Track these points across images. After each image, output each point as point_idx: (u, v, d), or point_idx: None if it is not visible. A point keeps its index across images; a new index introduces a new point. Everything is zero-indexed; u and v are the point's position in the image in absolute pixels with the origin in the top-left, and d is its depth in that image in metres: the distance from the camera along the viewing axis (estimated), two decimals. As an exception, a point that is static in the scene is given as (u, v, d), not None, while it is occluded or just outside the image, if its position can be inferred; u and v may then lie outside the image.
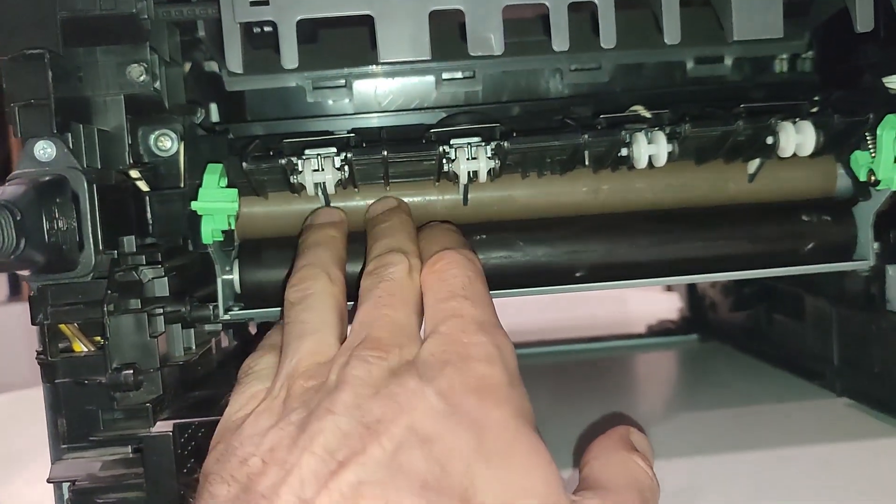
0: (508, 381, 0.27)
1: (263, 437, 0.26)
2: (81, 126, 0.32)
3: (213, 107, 0.46)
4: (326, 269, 0.32)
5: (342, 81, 0.44)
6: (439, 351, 0.27)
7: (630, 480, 0.28)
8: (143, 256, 0.34)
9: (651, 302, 0.70)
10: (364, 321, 0.29)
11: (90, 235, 0.31)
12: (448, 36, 0.41)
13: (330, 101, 0.45)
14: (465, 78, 0.45)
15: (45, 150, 0.30)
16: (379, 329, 0.29)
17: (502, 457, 0.25)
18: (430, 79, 0.45)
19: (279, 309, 0.39)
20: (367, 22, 0.33)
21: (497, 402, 0.26)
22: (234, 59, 0.32)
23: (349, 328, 0.30)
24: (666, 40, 0.32)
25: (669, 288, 0.72)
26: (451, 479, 0.24)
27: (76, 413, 0.31)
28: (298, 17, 0.32)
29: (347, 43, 0.44)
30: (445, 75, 0.45)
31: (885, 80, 0.40)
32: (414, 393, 0.26)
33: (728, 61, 0.46)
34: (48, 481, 0.31)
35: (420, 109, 0.45)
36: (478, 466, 0.24)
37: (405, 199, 0.39)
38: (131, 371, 0.31)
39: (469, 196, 0.39)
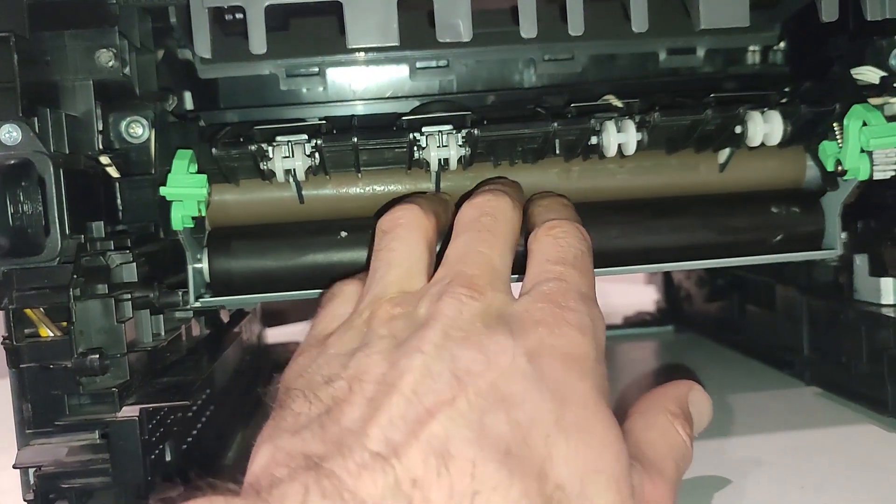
0: (595, 356, 0.27)
1: (350, 359, 0.26)
2: (49, 110, 0.32)
3: (187, 94, 0.46)
4: (421, 205, 0.32)
5: (316, 69, 0.44)
6: (535, 308, 0.27)
7: (669, 449, 0.28)
8: (112, 242, 0.34)
9: (628, 293, 0.70)
10: (458, 254, 0.29)
11: (56, 220, 0.30)
12: (422, 25, 0.41)
13: (304, 90, 0.46)
14: (438, 67, 0.45)
15: (10, 133, 0.30)
16: (473, 266, 0.28)
17: (580, 431, 0.25)
18: (405, 67, 0.45)
19: (251, 296, 0.39)
20: (338, 10, 0.33)
21: (582, 373, 0.26)
22: (203, 43, 0.32)
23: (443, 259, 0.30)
24: (634, 28, 0.33)
25: (646, 279, 0.73)
26: (532, 449, 0.24)
27: (42, 398, 0.31)
28: (267, 3, 0.32)
29: (321, 30, 0.44)
30: (419, 64, 0.45)
31: (852, 71, 0.40)
32: (503, 349, 0.25)
33: (700, 52, 0.46)
34: (14, 467, 0.31)
35: (394, 98, 0.45)
36: (557, 439, 0.24)
37: (378, 188, 0.39)
38: (97, 356, 0.30)
39: (442, 184, 0.39)
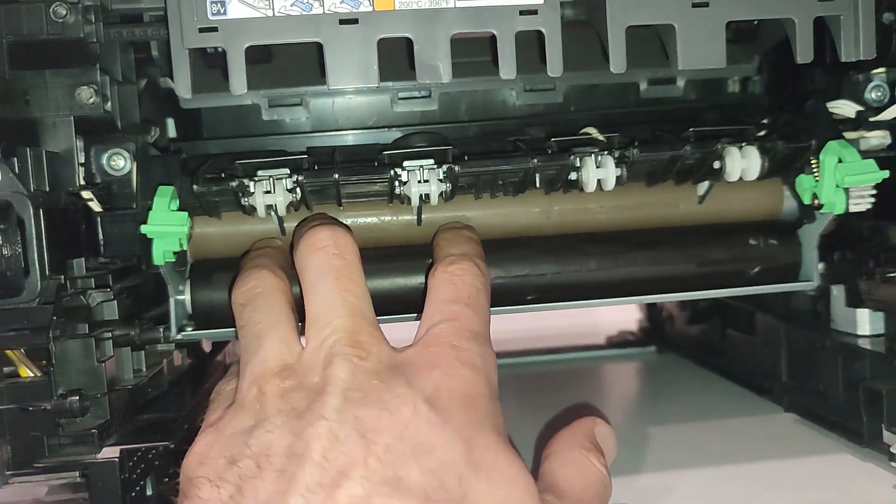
0: (489, 394, 0.28)
1: (249, 437, 0.26)
2: (28, 149, 0.32)
3: (170, 122, 0.46)
4: (270, 268, 0.32)
5: (298, 100, 0.44)
6: (429, 352, 0.28)
7: (589, 483, 0.29)
8: (93, 279, 0.34)
9: (611, 314, 0.71)
10: (325, 309, 0.29)
11: (36, 261, 0.31)
12: (403, 55, 0.41)
13: (287, 119, 0.46)
14: (421, 97, 0.45)
15: (-12, 174, 0.30)
16: (348, 320, 0.28)
17: (489, 469, 0.25)
18: (387, 98, 0.45)
19: (232, 329, 0.39)
20: (319, 49, 0.33)
21: (481, 413, 0.27)
22: (183, 84, 0.32)
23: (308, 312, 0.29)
24: (612, 69, 0.33)
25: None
26: (449, 492, 0.24)
27: (21, 439, 0.31)
28: (247, 44, 0.32)
29: (303, 60, 0.44)
30: (402, 94, 0.45)
31: (829, 104, 0.41)
32: (404, 400, 0.26)
33: (680, 83, 0.46)
34: (-7, 507, 0.31)
35: (377, 128, 0.45)
36: (469, 478, 0.25)
37: (359, 220, 0.39)
38: (77, 398, 0.31)
39: (423, 216, 0.39)
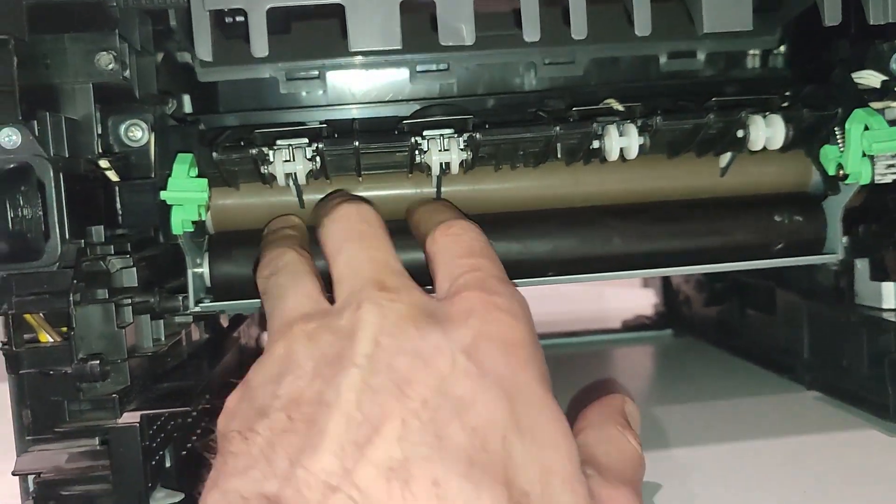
0: (531, 340, 0.26)
1: (278, 386, 0.25)
2: (48, 114, 0.31)
3: (186, 98, 0.46)
4: (292, 247, 0.31)
5: (316, 73, 0.44)
6: (461, 299, 0.26)
7: (625, 459, 0.28)
8: (112, 246, 0.34)
9: (627, 297, 0.70)
10: (352, 267, 0.28)
11: (56, 224, 0.30)
12: (422, 28, 0.40)
13: (304, 93, 0.45)
14: (439, 70, 0.45)
15: (9, 137, 0.30)
16: (376, 272, 0.27)
17: (533, 428, 0.24)
18: (405, 71, 0.45)
19: (250, 301, 0.39)
20: (340, 13, 0.33)
21: (523, 362, 0.25)
22: (204, 46, 0.32)
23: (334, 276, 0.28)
24: (637, 32, 0.32)
25: (645, 283, 0.72)
26: (492, 455, 0.22)
27: (41, 404, 0.30)
28: (269, 6, 0.31)
29: (321, 34, 0.44)
30: (420, 67, 0.44)
31: (854, 75, 0.40)
32: (440, 350, 0.24)
33: (701, 56, 0.46)
34: (13, 474, 0.31)
35: (395, 102, 0.45)
36: (513, 439, 0.23)
37: (379, 191, 0.39)
38: (97, 362, 0.30)
39: (443, 189, 0.39)
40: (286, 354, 0.26)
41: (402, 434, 0.22)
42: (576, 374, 0.56)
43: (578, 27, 0.32)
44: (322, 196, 0.37)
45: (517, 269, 0.38)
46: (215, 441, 0.26)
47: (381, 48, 0.32)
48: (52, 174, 0.30)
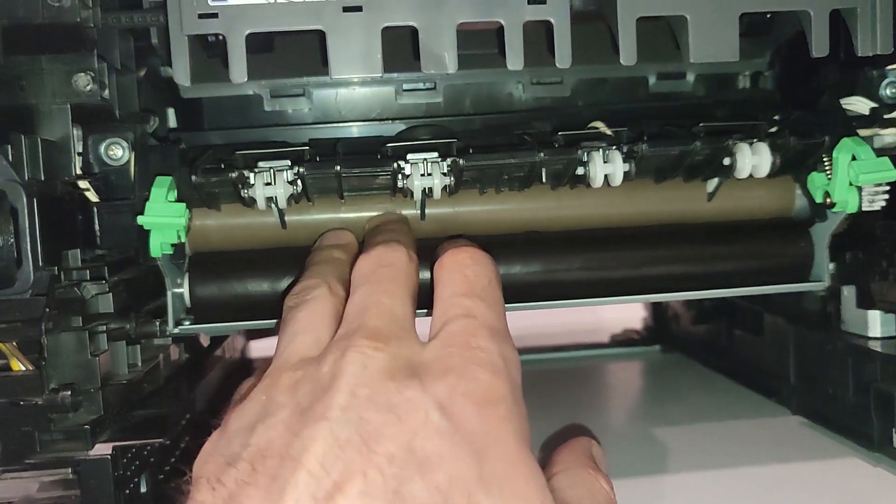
0: (512, 397, 0.26)
1: (251, 434, 0.24)
2: (23, 136, 0.31)
3: (171, 112, 0.46)
4: (327, 281, 0.31)
5: (300, 90, 0.43)
6: (444, 354, 0.26)
7: (598, 502, 0.28)
8: (88, 271, 0.33)
9: (615, 312, 0.70)
10: (358, 308, 0.28)
11: (28, 251, 0.30)
12: (408, 45, 0.40)
13: (289, 110, 0.45)
14: (425, 89, 0.44)
15: (-19, 162, 0.29)
16: (375, 318, 0.27)
17: (503, 484, 0.23)
18: (391, 89, 0.44)
19: (230, 324, 0.39)
20: (322, 37, 0.32)
21: (499, 418, 0.25)
22: (182, 71, 0.31)
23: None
24: (622, 61, 0.32)
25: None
26: None
27: (12, 434, 0.30)
28: (248, 31, 0.31)
29: (306, 50, 0.43)
30: (406, 86, 0.44)
31: (843, 101, 0.40)
32: (415, 405, 0.24)
33: (690, 77, 0.46)
34: (-17, 502, 0.31)
35: (380, 120, 0.44)
36: (479, 496, 0.23)
37: (361, 213, 0.39)
38: (69, 392, 0.30)
39: (427, 211, 0.39)
40: (266, 402, 0.25)
41: (364, 490, 0.22)
42: (563, 389, 0.56)
43: (563, 56, 0.31)
44: (362, 216, 0.38)
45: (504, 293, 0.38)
46: (187, 482, 0.25)
47: (363, 75, 0.31)
48: (25, 200, 0.30)
